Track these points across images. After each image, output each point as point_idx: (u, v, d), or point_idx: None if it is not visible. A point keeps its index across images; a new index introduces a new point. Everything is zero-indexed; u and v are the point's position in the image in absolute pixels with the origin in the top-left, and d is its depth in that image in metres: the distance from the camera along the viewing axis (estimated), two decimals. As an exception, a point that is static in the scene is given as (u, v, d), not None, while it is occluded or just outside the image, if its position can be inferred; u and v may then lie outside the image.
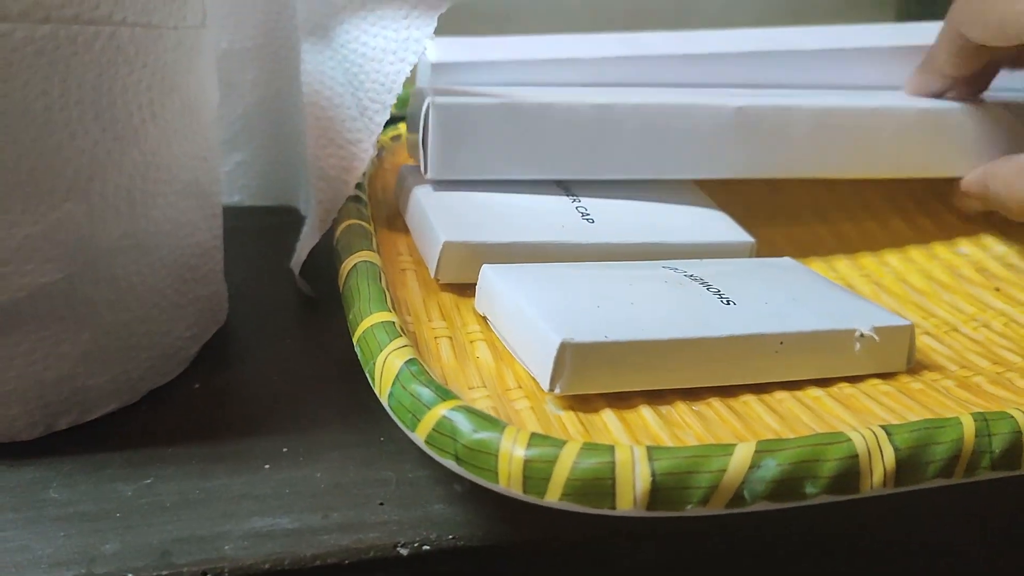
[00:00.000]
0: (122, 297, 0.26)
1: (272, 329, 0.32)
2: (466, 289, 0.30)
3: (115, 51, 0.24)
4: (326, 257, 0.32)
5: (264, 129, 0.38)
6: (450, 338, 0.27)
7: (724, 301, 0.27)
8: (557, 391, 0.24)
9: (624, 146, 0.32)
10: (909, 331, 0.27)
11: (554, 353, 0.24)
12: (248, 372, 0.30)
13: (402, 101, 0.41)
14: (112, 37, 0.24)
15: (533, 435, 0.21)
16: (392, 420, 0.24)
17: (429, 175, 0.32)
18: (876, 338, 0.27)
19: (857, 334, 0.27)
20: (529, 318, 0.25)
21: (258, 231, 0.37)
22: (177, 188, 0.27)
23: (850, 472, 0.21)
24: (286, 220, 0.38)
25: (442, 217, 0.30)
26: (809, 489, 0.21)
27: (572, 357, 0.24)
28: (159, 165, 0.26)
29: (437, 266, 0.29)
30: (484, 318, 0.28)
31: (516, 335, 0.26)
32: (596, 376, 0.25)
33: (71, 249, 0.24)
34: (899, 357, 0.27)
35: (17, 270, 0.24)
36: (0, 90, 0.22)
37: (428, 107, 0.31)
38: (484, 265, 0.28)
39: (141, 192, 0.26)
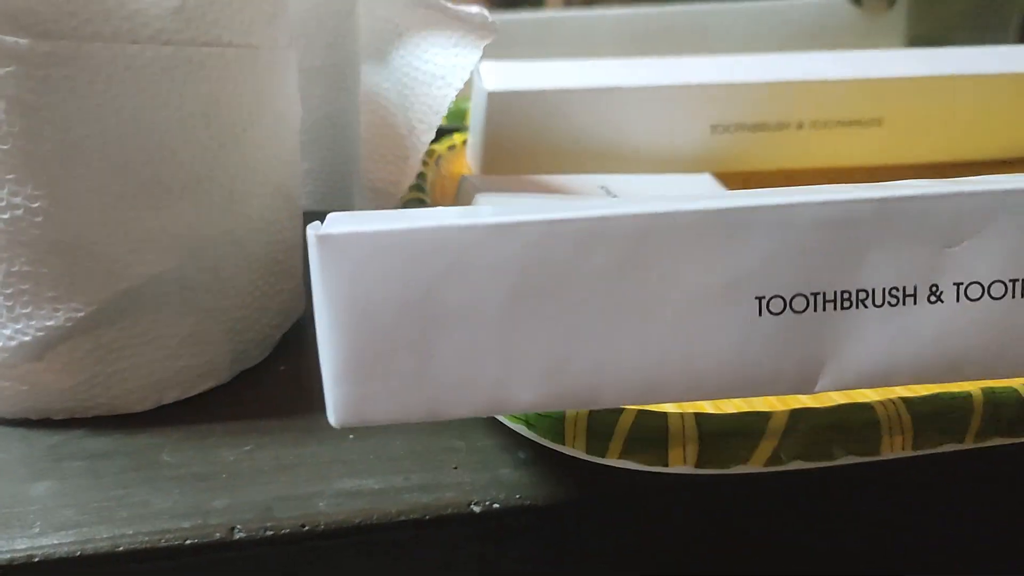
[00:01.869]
0: (222, 286, 0.29)
1: (343, 320, 0.36)
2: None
3: (222, 68, 0.27)
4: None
5: (328, 142, 0.41)
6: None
7: None
8: None
9: None
10: None
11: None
12: (326, 357, 0.33)
13: (453, 114, 0.44)
14: (220, 57, 0.27)
15: (595, 402, 0.24)
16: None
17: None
18: None
19: None
20: None
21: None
22: (269, 190, 0.30)
23: (872, 436, 0.24)
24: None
25: None
26: (836, 451, 0.24)
27: None
28: (255, 169, 0.29)
29: None
30: None
31: None
32: None
33: (183, 242, 0.28)
34: None
35: (140, 259, 0.27)
36: (132, 102, 0.26)
37: None
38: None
39: (240, 192, 0.29)
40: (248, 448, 0.28)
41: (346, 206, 0.43)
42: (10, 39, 0.24)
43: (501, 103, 0.37)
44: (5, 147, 0.25)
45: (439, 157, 0.41)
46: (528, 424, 0.24)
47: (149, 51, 0.26)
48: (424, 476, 0.27)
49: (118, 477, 0.27)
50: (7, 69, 0.24)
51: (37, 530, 0.25)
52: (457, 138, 0.43)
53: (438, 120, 0.33)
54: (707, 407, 0.27)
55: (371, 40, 0.35)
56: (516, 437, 0.26)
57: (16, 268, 0.26)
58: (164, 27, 0.26)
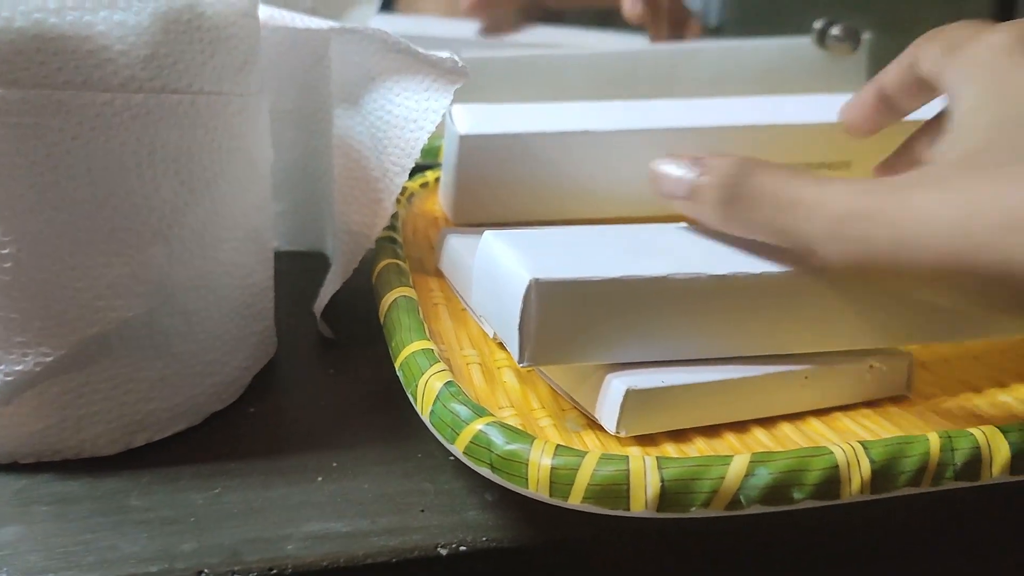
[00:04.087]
0: (192, 330, 0.30)
1: (313, 362, 0.36)
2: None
3: (193, 115, 0.28)
4: (356, 298, 0.36)
5: (300, 184, 0.42)
6: (480, 364, 0.31)
7: None
8: (622, 433, 0.27)
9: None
10: (909, 359, 0.31)
11: (620, 399, 0.27)
12: (296, 399, 0.33)
13: (426, 152, 0.45)
14: (191, 104, 0.28)
15: (558, 446, 0.24)
16: (429, 438, 0.28)
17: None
18: (884, 368, 0.30)
19: (868, 365, 0.30)
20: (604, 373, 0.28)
21: (296, 273, 0.41)
22: (239, 235, 0.31)
23: (832, 480, 0.25)
24: (318, 264, 0.42)
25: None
26: (796, 495, 0.24)
27: (635, 401, 0.27)
28: (226, 214, 0.30)
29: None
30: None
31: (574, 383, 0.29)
32: (654, 417, 0.28)
33: (153, 287, 0.28)
34: (900, 383, 0.31)
35: (109, 305, 0.27)
36: (102, 149, 0.26)
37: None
38: None
39: (211, 237, 0.29)
40: (217, 491, 0.28)
41: (318, 246, 0.43)
42: (-19, 88, 0.25)
43: (473, 146, 0.37)
44: (-25, 194, 0.25)
45: (411, 195, 0.42)
46: (492, 467, 0.25)
47: (120, 99, 0.26)
48: (392, 519, 0.27)
49: (86, 521, 0.27)
50: (-22, 118, 0.25)
51: (4, 575, 0.25)
52: (430, 175, 0.43)
53: (411, 163, 0.33)
54: (670, 451, 0.27)
55: (343, 85, 0.36)
56: (483, 479, 0.26)
57: (-15, 313, 0.26)
58: (135, 75, 0.26)
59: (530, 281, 0.26)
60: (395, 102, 0.34)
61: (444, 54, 0.33)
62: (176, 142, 0.27)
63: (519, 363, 0.27)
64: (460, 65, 0.33)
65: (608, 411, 0.27)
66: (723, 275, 0.28)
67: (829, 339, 0.30)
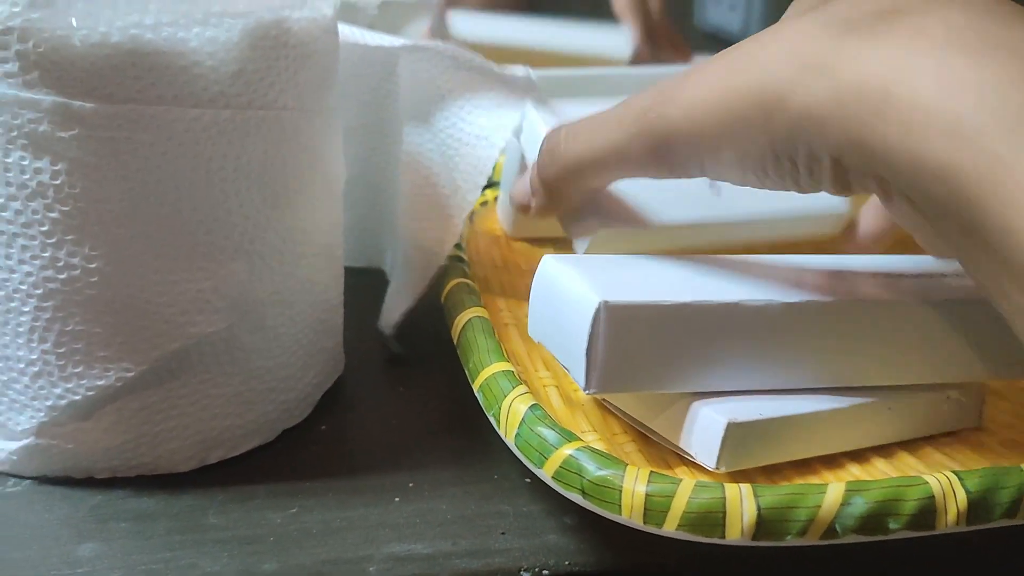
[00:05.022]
0: (268, 345, 0.29)
1: (380, 379, 0.35)
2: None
3: (277, 132, 0.28)
4: (418, 315, 0.36)
5: (363, 199, 0.41)
6: (556, 387, 0.30)
7: None
8: (722, 469, 0.26)
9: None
10: (982, 390, 0.31)
11: (722, 433, 0.26)
12: (366, 417, 0.33)
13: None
14: (276, 120, 0.28)
15: (652, 473, 0.24)
16: (503, 459, 0.27)
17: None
18: (963, 399, 0.30)
19: (946, 396, 0.30)
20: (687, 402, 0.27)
21: (356, 290, 0.40)
22: (315, 250, 0.30)
23: (928, 511, 0.24)
24: (376, 281, 0.42)
25: None
26: (892, 525, 0.24)
27: (736, 435, 0.26)
28: (304, 229, 0.30)
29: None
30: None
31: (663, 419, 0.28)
32: (752, 451, 0.27)
33: (233, 302, 0.28)
34: (975, 414, 0.31)
35: (190, 320, 0.27)
36: (190, 164, 0.26)
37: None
38: None
39: (290, 253, 0.29)
40: (294, 510, 0.28)
41: (376, 263, 0.43)
42: (76, 103, 0.24)
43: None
44: (65, 208, 0.25)
45: (472, 213, 0.42)
46: (584, 493, 0.24)
47: (208, 114, 0.26)
48: (473, 541, 0.27)
49: (164, 539, 0.26)
50: (71, 132, 0.25)
51: (86, 594, 0.24)
52: (489, 194, 0.43)
53: (483, 180, 0.33)
54: (761, 479, 0.27)
55: (413, 102, 0.36)
56: (562, 502, 0.26)
57: (70, 327, 0.26)
58: (224, 91, 0.26)
59: (599, 304, 0.25)
60: (466, 119, 0.34)
61: (518, 70, 0.33)
62: (260, 158, 0.27)
63: (585, 391, 0.26)
64: (532, 80, 0.33)
65: (707, 446, 0.27)
66: (796, 302, 0.27)
67: (904, 371, 0.29)
